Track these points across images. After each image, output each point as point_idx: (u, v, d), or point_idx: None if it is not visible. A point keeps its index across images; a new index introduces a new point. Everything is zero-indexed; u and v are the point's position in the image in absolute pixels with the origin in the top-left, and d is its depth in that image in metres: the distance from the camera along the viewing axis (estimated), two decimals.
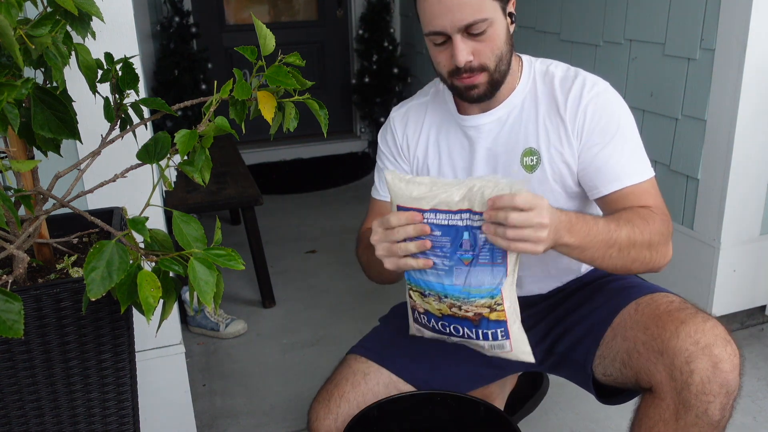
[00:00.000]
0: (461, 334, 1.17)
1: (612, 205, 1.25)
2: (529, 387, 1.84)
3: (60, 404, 1.19)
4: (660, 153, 2.36)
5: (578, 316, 1.34)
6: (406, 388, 1.36)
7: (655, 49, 2.32)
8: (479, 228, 1.07)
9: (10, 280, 1.04)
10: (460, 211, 1.08)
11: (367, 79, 4.52)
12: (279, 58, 1.04)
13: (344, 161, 4.69)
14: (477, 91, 1.25)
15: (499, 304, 1.11)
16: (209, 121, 1.02)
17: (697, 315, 1.12)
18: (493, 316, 1.12)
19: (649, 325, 1.15)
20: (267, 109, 1.02)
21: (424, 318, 1.21)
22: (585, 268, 1.44)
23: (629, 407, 1.47)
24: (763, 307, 2.32)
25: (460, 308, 1.13)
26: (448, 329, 1.18)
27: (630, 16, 2.43)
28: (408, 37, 4.61)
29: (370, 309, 2.50)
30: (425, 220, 1.10)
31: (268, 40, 1.03)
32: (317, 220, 3.59)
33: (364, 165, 4.57)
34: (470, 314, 1.13)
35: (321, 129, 1.08)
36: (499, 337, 1.14)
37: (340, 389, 1.34)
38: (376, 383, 1.34)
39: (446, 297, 1.13)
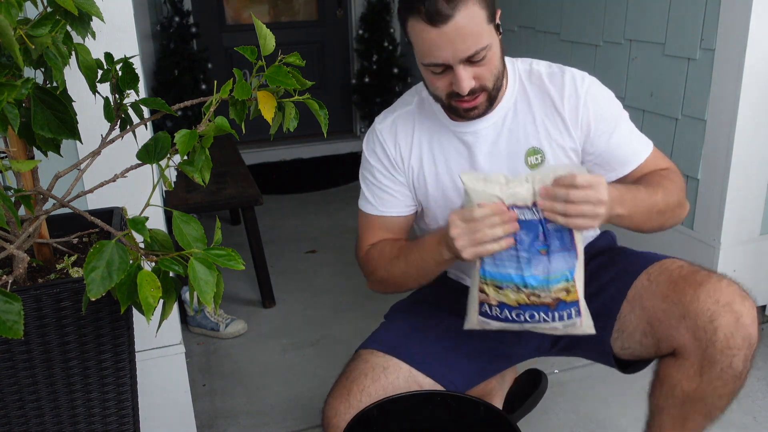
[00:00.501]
0: (536, 319, 1.22)
1: (632, 180, 1.33)
2: (529, 385, 1.84)
3: (60, 404, 1.19)
4: None
5: (587, 296, 1.37)
6: (425, 381, 1.36)
7: (655, 49, 2.32)
8: (546, 219, 1.15)
9: (10, 280, 1.04)
10: (534, 205, 1.15)
11: (367, 79, 4.52)
12: (279, 58, 1.04)
13: (344, 161, 4.70)
14: (477, 111, 1.28)
15: (573, 286, 1.17)
16: (209, 121, 1.02)
17: (711, 276, 1.19)
18: (569, 297, 1.18)
19: (667, 293, 1.21)
20: (267, 109, 1.02)
21: (496, 310, 1.24)
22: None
23: (630, 406, 1.48)
24: (763, 307, 2.32)
25: (539, 296, 1.19)
26: (522, 317, 1.23)
27: (630, 16, 2.43)
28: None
29: (370, 309, 2.50)
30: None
31: (268, 40, 1.03)
32: (317, 220, 3.59)
33: None
34: (548, 300, 1.19)
35: (321, 129, 1.08)
36: (573, 316, 1.20)
37: (359, 384, 1.33)
38: (396, 377, 1.35)
39: (525, 287, 1.19)
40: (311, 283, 2.82)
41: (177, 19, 4.01)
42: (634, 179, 1.33)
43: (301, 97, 1.08)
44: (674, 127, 2.29)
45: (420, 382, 1.36)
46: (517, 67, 1.36)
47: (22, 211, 1.13)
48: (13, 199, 1.06)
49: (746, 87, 2.00)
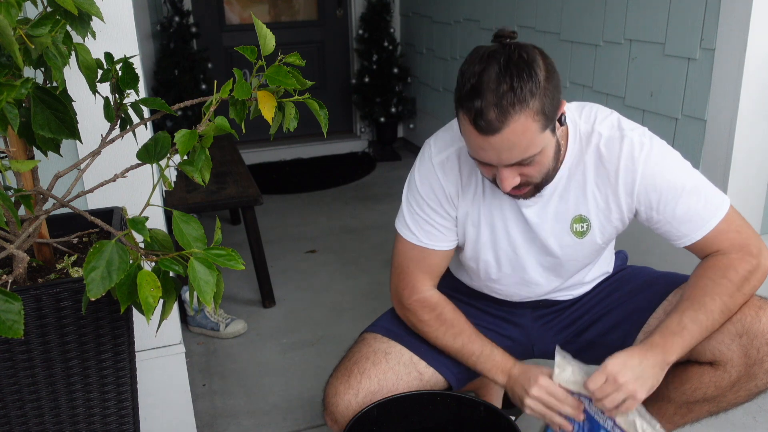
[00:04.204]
0: None
1: (702, 248, 1.28)
2: None
3: (60, 404, 1.19)
4: None
5: (608, 306, 1.44)
6: (426, 371, 1.38)
7: (655, 49, 2.32)
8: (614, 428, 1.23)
9: (10, 280, 1.04)
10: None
11: (367, 79, 4.52)
12: (279, 58, 1.04)
13: (344, 161, 4.69)
14: (524, 197, 1.26)
15: None
16: (209, 121, 1.02)
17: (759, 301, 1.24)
18: None
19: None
20: (267, 109, 1.02)
21: None
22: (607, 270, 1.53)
23: None
24: None
25: None
26: None
27: (630, 16, 2.43)
28: (408, 37, 4.62)
29: (370, 309, 2.50)
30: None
31: (268, 40, 1.03)
32: (317, 220, 3.59)
33: (364, 165, 4.56)
34: None
35: (321, 129, 1.08)
36: None
37: (360, 366, 1.35)
38: (397, 362, 1.36)
39: None
40: (311, 283, 2.82)
41: (177, 19, 4.01)
42: (705, 250, 1.28)
43: (301, 97, 1.08)
44: (674, 127, 2.29)
45: (421, 370, 1.37)
46: (579, 128, 1.28)
47: (22, 210, 1.13)
48: (13, 199, 1.06)
49: (746, 87, 2.00)
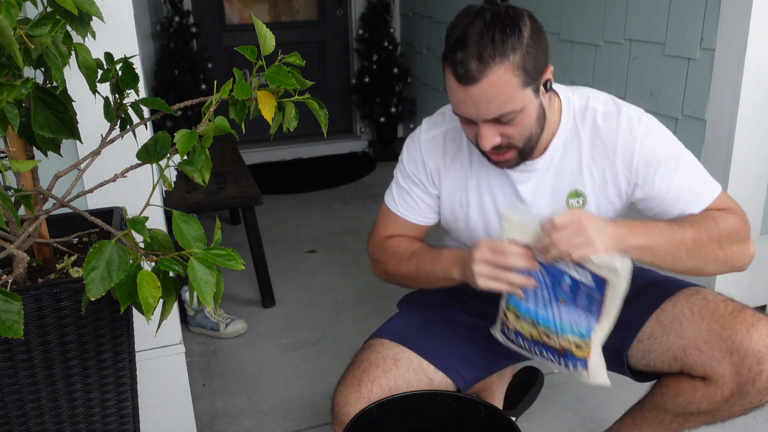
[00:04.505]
0: (545, 357, 1.27)
1: None
2: (526, 382, 1.85)
3: (60, 404, 1.19)
4: None
5: None
6: (435, 376, 1.37)
7: (655, 49, 2.32)
8: (581, 278, 1.17)
9: (10, 280, 1.04)
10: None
11: (367, 79, 4.52)
12: (279, 58, 1.04)
13: (344, 161, 4.69)
14: (507, 165, 1.27)
15: (586, 345, 1.20)
16: (209, 120, 1.02)
17: (762, 318, 1.21)
18: (579, 353, 1.21)
19: (712, 326, 1.22)
20: (267, 109, 1.02)
21: (512, 335, 1.30)
22: None
23: (628, 405, 1.48)
24: (763, 307, 2.32)
25: (549, 337, 1.23)
26: (533, 349, 1.28)
27: (630, 16, 2.43)
28: (408, 37, 4.62)
29: (370, 309, 2.50)
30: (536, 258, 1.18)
31: (268, 40, 1.03)
32: (317, 220, 3.59)
33: (364, 165, 4.56)
34: (557, 346, 1.23)
35: (321, 129, 1.08)
36: (579, 368, 1.23)
37: (370, 374, 1.33)
38: (406, 369, 1.36)
39: (539, 324, 1.23)
40: (311, 283, 2.82)
41: (177, 19, 4.01)
42: None
43: (301, 97, 1.08)
44: (674, 127, 2.29)
45: (430, 375, 1.37)
46: (572, 103, 1.31)
47: (22, 210, 1.13)
48: (13, 198, 1.06)
49: (746, 87, 2.00)
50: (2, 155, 1.09)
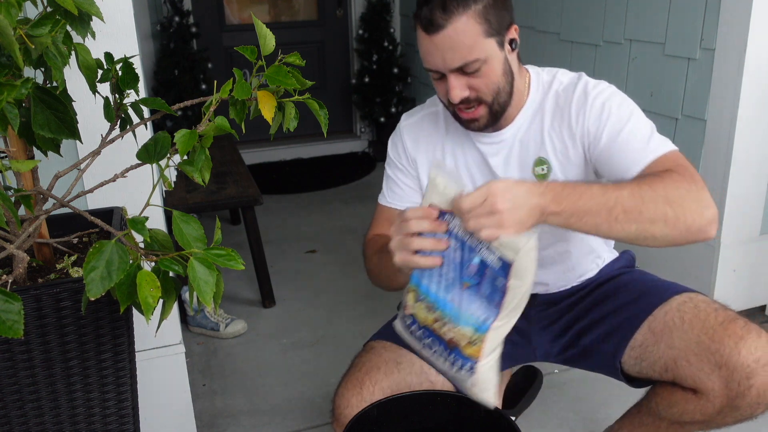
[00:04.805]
0: (434, 350, 1.15)
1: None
2: (525, 382, 1.85)
3: (60, 404, 1.19)
4: None
5: (604, 312, 1.40)
6: (437, 379, 1.37)
7: (655, 49, 2.32)
8: (490, 260, 1.05)
9: (10, 280, 1.04)
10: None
11: (367, 79, 4.52)
12: (279, 58, 1.04)
13: (344, 161, 4.69)
14: (478, 124, 1.29)
15: (480, 341, 1.08)
16: (209, 120, 1.02)
17: (752, 330, 1.17)
18: (468, 350, 1.10)
19: (702, 339, 1.19)
20: (267, 109, 1.02)
21: (408, 320, 1.18)
22: (601, 263, 1.49)
23: (629, 407, 1.48)
24: (763, 307, 2.32)
25: (443, 325, 1.11)
26: (424, 341, 1.16)
27: (630, 16, 2.43)
28: (408, 37, 4.61)
29: (370, 309, 2.50)
30: (450, 228, 1.08)
31: (268, 40, 1.03)
32: (317, 220, 3.59)
33: (364, 165, 4.56)
34: (447, 337, 1.11)
35: (321, 129, 1.08)
36: (464, 371, 1.12)
37: (372, 377, 1.33)
38: (409, 372, 1.35)
39: (437, 309, 1.11)
40: (311, 283, 2.82)
41: (177, 19, 4.01)
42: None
43: (301, 97, 1.08)
44: (674, 127, 2.29)
45: (432, 379, 1.37)
46: (541, 78, 1.35)
47: (22, 210, 1.13)
48: (13, 198, 1.06)
49: (746, 87, 2.00)
50: (2, 155, 1.09)
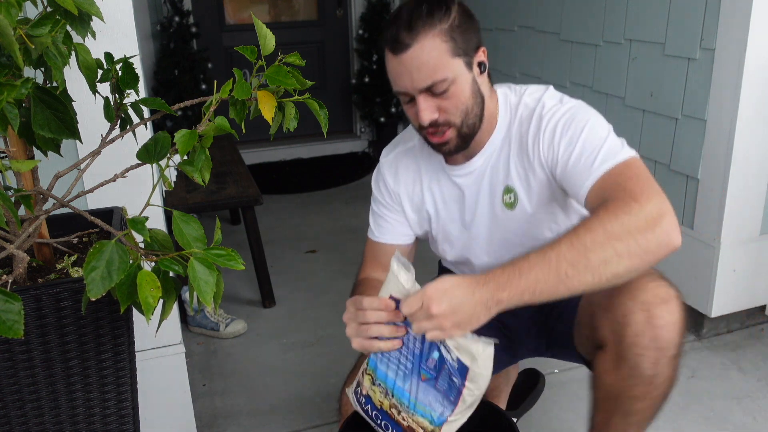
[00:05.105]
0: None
1: (596, 199, 1.14)
2: (527, 384, 1.85)
3: (60, 404, 1.19)
4: (660, 153, 2.36)
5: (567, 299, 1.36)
6: None
7: (655, 49, 2.32)
8: (448, 358, 1.07)
9: (10, 280, 1.04)
10: None
11: (367, 79, 4.52)
12: (279, 57, 1.04)
13: (344, 161, 4.69)
14: (448, 147, 1.27)
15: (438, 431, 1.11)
16: (209, 120, 1.03)
17: (647, 277, 1.12)
18: None
19: (611, 291, 1.14)
20: (267, 109, 1.02)
21: (363, 399, 1.19)
22: None
23: None
24: (763, 307, 2.32)
25: (399, 412, 1.13)
26: (380, 421, 1.17)
27: (630, 16, 2.43)
28: None
29: None
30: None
31: (268, 40, 1.03)
32: (317, 220, 3.59)
33: (364, 165, 4.57)
34: (404, 424, 1.13)
35: (321, 129, 1.08)
36: None
37: None
38: None
39: (393, 396, 1.13)
40: (311, 283, 2.82)
41: (177, 19, 4.01)
42: (599, 199, 1.13)
43: (301, 97, 1.08)
44: (674, 127, 2.29)
45: None
46: (509, 101, 1.32)
47: (22, 210, 1.13)
48: (13, 199, 1.06)
49: (746, 87, 1.99)
50: (2, 155, 1.09)
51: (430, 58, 1.16)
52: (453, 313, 1.01)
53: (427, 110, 1.20)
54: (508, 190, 1.31)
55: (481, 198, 1.35)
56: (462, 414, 1.10)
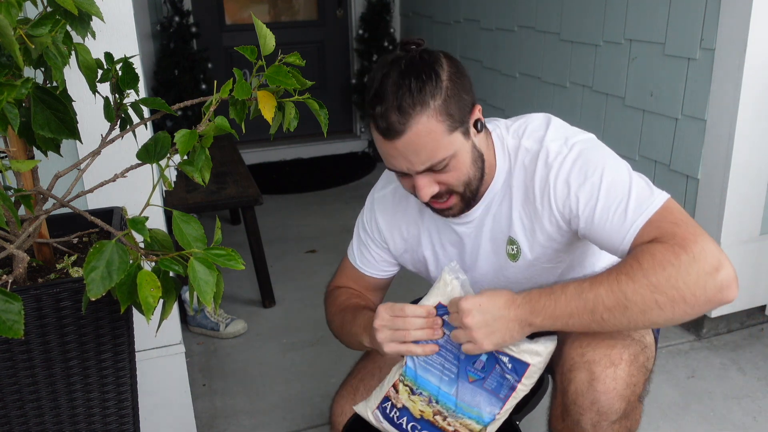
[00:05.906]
0: None
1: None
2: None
3: (60, 404, 1.19)
4: (660, 153, 2.36)
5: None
6: None
7: (655, 49, 2.32)
8: (501, 359, 1.10)
9: (10, 280, 1.04)
10: None
11: (367, 79, 4.52)
12: (279, 57, 1.04)
13: (344, 161, 4.69)
14: (452, 212, 1.20)
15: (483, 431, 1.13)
16: (209, 120, 1.02)
17: (609, 334, 1.11)
18: None
19: (568, 333, 1.14)
20: (267, 109, 1.02)
21: (396, 413, 1.18)
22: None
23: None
24: (763, 307, 2.32)
25: (444, 418, 1.14)
26: None
27: (630, 16, 2.43)
28: (408, 37, 4.61)
29: None
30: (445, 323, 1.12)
31: (268, 40, 1.03)
32: (317, 220, 3.59)
33: (364, 165, 4.57)
34: (450, 429, 1.14)
35: (321, 129, 1.08)
36: None
37: (366, 383, 1.33)
38: None
39: (437, 402, 1.14)
40: (311, 283, 2.82)
41: (177, 19, 4.01)
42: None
43: (301, 97, 1.08)
44: (674, 127, 2.29)
45: None
46: (506, 144, 1.22)
47: (22, 210, 1.13)
48: (13, 198, 1.05)
49: (746, 87, 2.00)
50: (2, 155, 1.09)
51: (427, 142, 1.06)
52: (486, 326, 1.04)
53: (427, 187, 1.12)
54: (512, 241, 1.23)
55: (483, 246, 1.28)
56: (508, 411, 1.12)
